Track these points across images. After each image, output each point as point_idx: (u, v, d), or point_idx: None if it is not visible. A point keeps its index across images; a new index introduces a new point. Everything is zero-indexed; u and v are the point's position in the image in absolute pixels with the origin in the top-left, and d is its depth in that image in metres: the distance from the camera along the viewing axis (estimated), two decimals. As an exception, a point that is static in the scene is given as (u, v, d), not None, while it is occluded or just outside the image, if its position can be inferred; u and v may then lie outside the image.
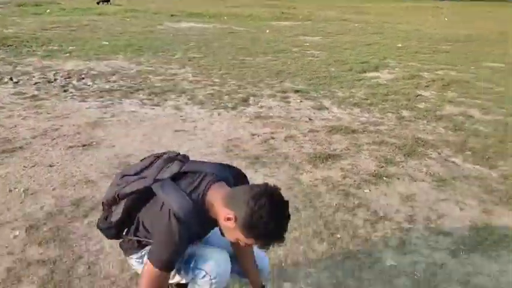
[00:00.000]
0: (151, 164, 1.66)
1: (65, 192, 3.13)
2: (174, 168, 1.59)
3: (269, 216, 1.33)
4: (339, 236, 2.63)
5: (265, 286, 1.85)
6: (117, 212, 1.62)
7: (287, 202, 1.41)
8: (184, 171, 1.57)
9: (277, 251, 2.43)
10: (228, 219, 1.39)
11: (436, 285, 2.18)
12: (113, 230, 1.71)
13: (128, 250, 1.73)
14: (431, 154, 4.16)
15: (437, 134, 4.84)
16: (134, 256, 1.72)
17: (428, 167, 3.82)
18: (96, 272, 2.21)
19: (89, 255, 2.34)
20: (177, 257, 1.47)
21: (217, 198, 1.46)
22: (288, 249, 2.45)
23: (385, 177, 3.57)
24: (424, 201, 3.15)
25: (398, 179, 3.55)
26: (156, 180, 1.54)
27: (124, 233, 1.73)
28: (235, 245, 1.77)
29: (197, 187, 1.50)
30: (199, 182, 1.52)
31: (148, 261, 1.45)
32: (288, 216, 1.41)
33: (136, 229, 1.64)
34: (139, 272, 1.72)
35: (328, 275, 2.23)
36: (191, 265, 1.59)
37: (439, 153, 4.20)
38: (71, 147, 4.11)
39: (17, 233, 2.56)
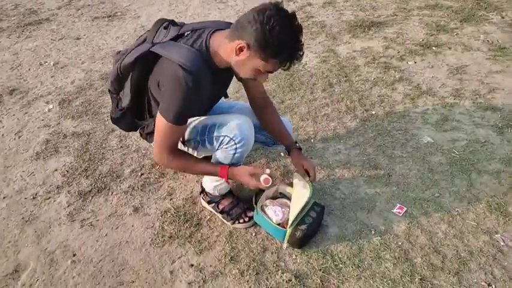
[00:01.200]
0: (145, 39, 1.51)
1: (93, 66, 3.09)
2: (172, 32, 1.44)
3: (281, 24, 1.21)
4: (373, 112, 2.46)
5: (297, 142, 1.78)
6: (126, 94, 1.54)
7: (294, 12, 1.27)
8: (182, 33, 1.43)
9: (306, 128, 2.35)
10: (240, 49, 1.28)
11: (474, 163, 2.05)
12: (128, 117, 1.64)
13: (148, 136, 1.69)
14: (492, 19, 3.61)
15: (504, -6, 4.13)
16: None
17: (486, 34, 3.34)
18: (127, 145, 2.26)
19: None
20: (188, 110, 1.39)
21: (221, 40, 1.35)
22: (317, 126, 2.36)
23: (435, 46, 3.19)
24: (475, 74, 2.83)
25: (449, 48, 3.16)
26: (154, 44, 1.41)
27: (141, 120, 1.67)
28: (255, 102, 1.73)
29: (197, 39, 1.38)
30: (199, 35, 1.40)
31: (160, 116, 1.39)
32: (300, 27, 1.27)
33: (150, 108, 1.57)
34: None
35: (357, 152, 2.15)
36: (214, 134, 1.54)
37: (503, 17, 3.62)
38: (96, 18, 3.95)
39: (51, 106, 2.62)
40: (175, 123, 1.37)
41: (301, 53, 1.29)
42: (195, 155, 1.67)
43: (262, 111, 1.75)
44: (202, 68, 1.33)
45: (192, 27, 1.45)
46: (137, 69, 1.46)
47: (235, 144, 1.51)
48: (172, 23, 1.49)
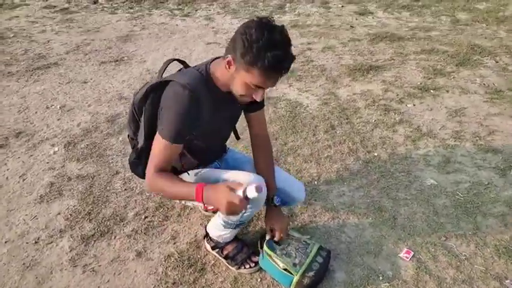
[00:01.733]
0: None
1: (99, 109, 3.15)
2: (179, 67, 1.54)
3: (259, 31, 1.22)
4: (376, 154, 2.49)
5: (273, 199, 1.69)
6: (141, 132, 1.55)
7: (282, 26, 1.28)
8: (188, 66, 1.53)
9: (309, 170, 2.36)
10: (229, 63, 1.32)
11: (479, 205, 2.05)
12: (143, 160, 1.59)
13: None
14: (487, 63, 3.73)
15: (497, 40, 4.30)
16: None
17: (482, 78, 3.44)
18: (132, 187, 2.27)
19: (125, 171, 2.39)
20: (186, 128, 1.38)
21: (219, 63, 1.42)
22: (320, 168, 2.38)
23: (433, 89, 3.27)
24: (474, 116, 2.88)
25: (447, 91, 3.24)
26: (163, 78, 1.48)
27: None
28: (256, 156, 1.72)
29: (201, 65, 1.47)
30: (203, 63, 1.48)
31: (158, 134, 1.40)
32: (285, 36, 1.25)
33: None
34: (184, 203, 1.71)
35: (361, 194, 2.15)
36: None
37: (497, 62, 3.75)
38: (103, 62, 4.07)
39: (56, 149, 2.64)
40: (169, 140, 1.37)
41: (284, 60, 1.25)
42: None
43: (259, 152, 1.75)
44: (201, 86, 1.38)
45: (197, 64, 1.53)
46: (149, 102, 1.47)
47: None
48: (184, 64, 1.57)
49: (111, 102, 3.26)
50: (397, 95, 3.21)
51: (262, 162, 1.73)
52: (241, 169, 1.61)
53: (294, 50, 4.10)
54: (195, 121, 1.39)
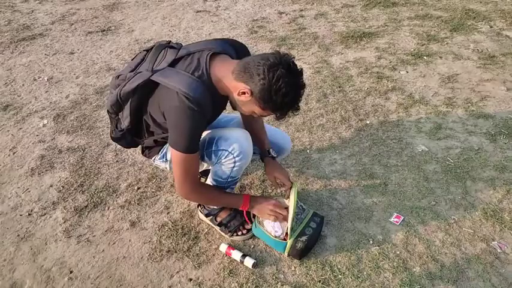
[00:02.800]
0: (143, 59, 1.52)
1: (88, 81, 3.09)
2: (170, 56, 1.45)
3: (287, 87, 1.28)
4: (368, 121, 2.49)
5: (270, 151, 1.77)
6: (126, 116, 1.54)
7: (302, 70, 1.34)
8: (180, 57, 1.44)
9: (301, 138, 2.36)
10: (243, 93, 1.33)
11: (468, 170, 2.07)
12: (128, 137, 1.65)
13: (149, 153, 1.70)
14: (481, 28, 3.68)
15: (492, 4, 4.22)
16: (157, 157, 1.70)
17: (476, 43, 3.41)
18: (123, 159, 2.26)
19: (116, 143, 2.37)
20: (197, 137, 1.42)
21: (225, 72, 1.37)
22: (312, 136, 2.38)
23: (426, 56, 3.24)
24: (466, 82, 2.87)
25: (440, 57, 3.21)
26: (154, 71, 1.41)
27: (140, 139, 1.68)
28: (246, 120, 1.75)
29: (198, 65, 1.39)
30: (197, 60, 1.41)
31: (172, 149, 1.41)
32: (304, 85, 1.35)
33: (148, 128, 1.58)
34: (168, 169, 1.72)
35: (353, 162, 2.17)
36: (212, 148, 1.55)
37: (491, 27, 3.70)
38: (90, 32, 3.96)
39: (45, 121, 2.61)
40: (188, 152, 1.39)
41: (298, 108, 1.37)
42: None
43: (250, 117, 1.75)
44: (205, 96, 1.35)
45: (188, 50, 1.45)
46: (137, 96, 1.47)
47: (234, 158, 1.52)
48: (169, 46, 1.50)
49: (99, 73, 3.19)
50: (390, 62, 3.18)
51: (251, 125, 1.75)
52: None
53: (287, 17, 3.97)
54: (202, 130, 1.45)
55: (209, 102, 1.37)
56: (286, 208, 1.65)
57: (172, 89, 1.33)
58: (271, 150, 1.76)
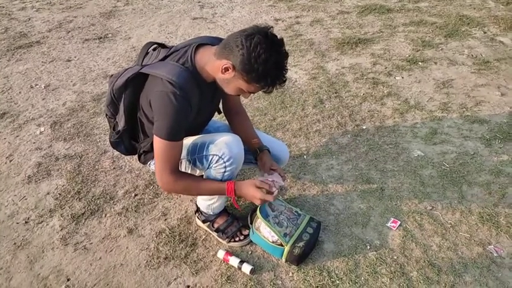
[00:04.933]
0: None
1: (84, 88, 3.09)
2: (161, 55, 1.48)
3: (267, 52, 1.25)
4: (364, 127, 2.50)
5: (263, 146, 1.73)
6: (121, 115, 1.56)
7: (282, 39, 1.32)
8: (171, 53, 1.46)
9: (298, 144, 2.37)
10: (226, 69, 1.33)
11: (464, 175, 2.09)
12: (125, 141, 1.67)
13: (144, 158, 1.71)
14: (475, 33, 3.72)
15: (485, 10, 4.28)
16: (152, 162, 1.70)
17: (470, 49, 3.45)
18: (120, 166, 2.26)
19: (113, 150, 2.35)
20: (180, 124, 1.39)
21: (209, 57, 1.38)
22: (309, 142, 2.39)
23: (421, 61, 3.27)
24: (461, 87, 2.90)
25: (435, 63, 3.24)
26: (144, 66, 1.45)
27: (137, 142, 1.70)
28: (228, 109, 1.75)
29: (183, 55, 1.41)
30: (184, 51, 1.43)
31: (155, 137, 1.40)
32: (286, 54, 1.32)
33: (143, 128, 1.59)
34: None
35: (350, 167, 2.18)
36: (204, 153, 1.55)
37: (485, 32, 3.74)
38: (87, 40, 3.97)
39: (42, 129, 2.61)
40: (170, 139, 1.38)
41: (284, 79, 1.35)
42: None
43: (235, 117, 1.78)
44: (189, 82, 1.36)
45: (177, 47, 1.48)
46: (129, 90, 1.49)
47: (224, 162, 1.53)
48: (162, 46, 1.52)
49: (96, 80, 3.20)
50: (386, 67, 3.20)
51: (239, 125, 1.76)
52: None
53: (283, 24, 4.02)
54: (188, 116, 1.42)
55: (194, 88, 1.38)
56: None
57: (157, 77, 1.36)
58: (263, 146, 1.73)
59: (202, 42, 1.45)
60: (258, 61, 1.26)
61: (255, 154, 1.73)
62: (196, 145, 1.58)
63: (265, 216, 1.64)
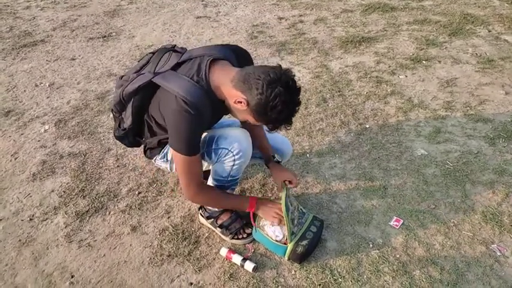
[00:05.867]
0: (148, 61, 1.56)
1: (89, 86, 3.11)
2: (173, 60, 1.48)
3: (283, 105, 1.31)
4: (367, 126, 2.50)
5: (275, 156, 1.83)
6: (127, 116, 1.57)
7: (300, 89, 1.36)
8: (183, 61, 1.47)
9: (301, 143, 2.37)
10: (240, 102, 1.36)
11: (468, 174, 2.08)
12: (130, 137, 1.69)
13: (150, 154, 1.72)
14: (480, 32, 3.71)
15: (490, 8, 4.25)
16: (158, 157, 1.71)
17: (475, 47, 3.43)
18: (124, 164, 2.27)
19: (117, 148, 2.38)
20: (196, 140, 1.44)
21: (225, 79, 1.38)
22: (312, 140, 2.39)
23: (425, 60, 3.26)
24: (465, 86, 2.89)
25: (439, 62, 3.23)
26: (156, 74, 1.44)
27: (142, 139, 1.71)
28: (246, 126, 1.75)
29: (198, 70, 1.41)
30: (198, 65, 1.43)
31: (174, 152, 1.43)
32: (299, 103, 1.38)
33: (150, 128, 1.60)
34: (168, 169, 1.74)
35: (353, 166, 2.18)
36: (213, 147, 1.57)
37: (490, 31, 3.73)
38: (91, 38, 3.99)
39: (47, 127, 2.62)
40: (189, 154, 1.42)
41: (291, 124, 1.40)
42: None
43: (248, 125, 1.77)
44: (203, 100, 1.37)
45: (190, 54, 1.48)
46: (139, 96, 1.50)
47: (234, 156, 1.54)
48: (174, 50, 1.53)
49: (100, 79, 3.21)
50: (389, 66, 3.20)
51: (254, 130, 1.76)
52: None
53: (286, 23, 4.01)
54: (201, 131, 1.47)
55: (207, 106, 1.39)
56: None
57: (171, 92, 1.36)
58: (276, 155, 1.80)
59: (216, 56, 1.44)
60: (274, 111, 1.31)
61: (266, 162, 1.83)
62: (205, 139, 1.59)
63: (287, 210, 1.62)
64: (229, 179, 1.64)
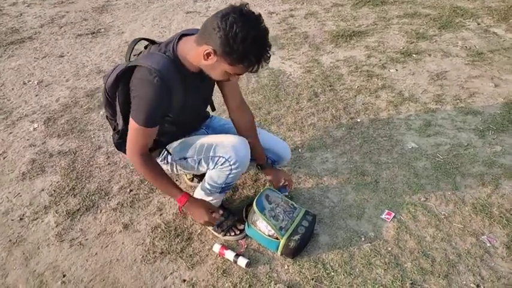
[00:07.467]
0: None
1: (78, 83, 3.07)
2: (152, 50, 1.46)
3: (244, 30, 1.20)
4: (358, 120, 2.51)
5: (269, 159, 1.82)
6: (119, 115, 1.54)
7: (259, 14, 1.27)
8: (158, 44, 1.46)
9: (293, 138, 2.37)
10: (208, 55, 1.29)
11: (458, 166, 2.10)
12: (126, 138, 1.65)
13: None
14: (469, 25, 3.73)
15: (479, 1, 4.28)
16: (158, 160, 1.69)
17: (464, 40, 3.45)
18: (115, 162, 2.25)
19: (108, 146, 2.36)
20: (157, 112, 1.39)
21: (190, 44, 1.35)
22: (304, 135, 2.39)
23: (415, 54, 3.27)
24: (455, 79, 2.91)
25: (429, 55, 3.25)
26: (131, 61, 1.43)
27: None
28: (240, 129, 1.73)
29: (166, 45, 1.40)
30: (166, 43, 1.42)
31: (131, 119, 1.41)
32: (266, 30, 1.27)
33: None
34: (169, 171, 1.72)
35: (345, 160, 2.18)
36: (210, 154, 1.56)
37: (479, 24, 3.75)
38: (79, 35, 3.94)
39: (36, 125, 2.59)
40: (143, 125, 1.38)
41: (268, 55, 1.29)
42: (194, 172, 1.69)
43: (235, 113, 1.73)
44: (170, 70, 1.34)
45: (166, 39, 1.47)
46: (120, 87, 1.47)
47: (230, 165, 1.54)
48: (153, 42, 1.51)
49: (89, 76, 3.18)
50: (380, 60, 3.20)
51: (247, 134, 1.72)
52: (227, 133, 1.65)
53: (277, 17, 3.98)
54: (166, 105, 1.40)
55: (175, 75, 1.36)
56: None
57: (140, 65, 1.35)
58: (268, 159, 1.79)
59: (187, 33, 1.43)
60: (237, 41, 1.21)
61: (261, 165, 1.82)
62: (203, 146, 1.57)
63: (261, 210, 1.64)
64: (223, 185, 1.63)
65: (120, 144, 1.65)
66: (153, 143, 1.61)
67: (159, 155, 1.68)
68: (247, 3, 1.27)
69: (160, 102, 1.36)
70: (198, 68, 1.39)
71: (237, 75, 1.38)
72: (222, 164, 1.54)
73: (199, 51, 1.31)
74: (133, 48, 1.49)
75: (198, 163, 1.61)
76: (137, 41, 1.51)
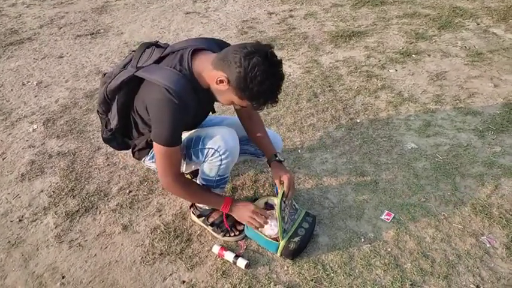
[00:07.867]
0: (132, 59, 1.53)
1: (77, 84, 3.07)
2: (156, 55, 1.46)
3: (263, 75, 1.26)
4: (358, 120, 2.51)
5: (277, 155, 1.76)
6: (113, 115, 1.55)
7: (281, 61, 1.32)
8: (166, 55, 1.45)
9: (292, 138, 2.37)
10: (220, 81, 1.33)
11: (458, 167, 2.10)
12: (118, 138, 1.67)
13: (138, 155, 1.70)
14: (469, 25, 3.73)
15: (479, 1, 4.28)
16: (146, 158, 1.70)
17: (464, 40, 3.45)
18: (114, 163, 2.25)
19: (107, 147, 2.35)
20: (178, 130, 1.42)
21: (206, 64, 1.37)
22: (303, 136, 2.39)
23: (414, 54, 3.27)
24: (454, 79, 2.90)
25: (428, 55, 3.24)
26: (139, 68, 1.43)
27: (130, 140, 1.69)
28: (241, 113, 1.74)
29: (180, 60, 1.40)
30: (181, 55, 1.41)
31: (155, 143, 1.42)
32: (282, 77, 1.33)
33: (137, 127, 1.58)
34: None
35: (344, 160, 2.18)
36: (199, 147, 1.56)
37: (478, 24, 3.75)
38: (79, 36, 3.94)
39: (35, 126, 2.59)
40: (169, 145, 1.40)
41: (276, 100, 1.35)
42: (184, 168, 1.69)
43: (248, 121, 1.76)
44: (187, 89, 1.35)
45: (173, 48, 1.46)
46: (123, 92, 1.48)
47: (220, 155, 1.53)
48: (157, 45, 1.51)
49: (88, 77, 3.17)
50: (379, 60, 3.20)
51: (253, 132, 1.74)
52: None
53: (276, 18, 3.98)
54: (185, 121, 1.43)
55: (191, 95, 1.38)
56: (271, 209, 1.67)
57: (154, 83, 1.35)
58: (278, 154, 1.75)
59: (199, 47, 1.43)
60: (254, 82, 1.26)
61: (268, 163, 1.77)
62: (192, 139, 1.58)
63: (282, 208, 1.61)
64: (217, 178, 1.63)
65: (109, 139, 1.68)
66: (144, 144, 1.62)
67: (148, 153, 1.68)
68: (273, 47, 1.32)
69: (180, 122, 1.39)
70: (208, 86, 1.42)
71: (240, 106, 1.43)
72: (212, 155, 1.54)
73: (213, 74, 1.34)
74: (142, 54, 1.48)
75: (189, 157, 1.61)
76: (145, 47, 1.51)
